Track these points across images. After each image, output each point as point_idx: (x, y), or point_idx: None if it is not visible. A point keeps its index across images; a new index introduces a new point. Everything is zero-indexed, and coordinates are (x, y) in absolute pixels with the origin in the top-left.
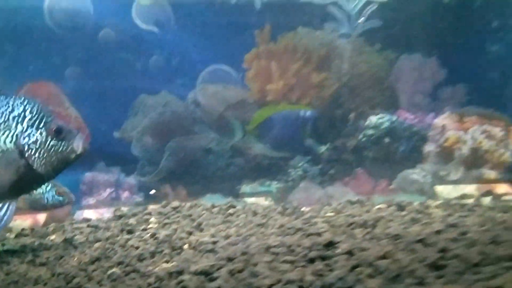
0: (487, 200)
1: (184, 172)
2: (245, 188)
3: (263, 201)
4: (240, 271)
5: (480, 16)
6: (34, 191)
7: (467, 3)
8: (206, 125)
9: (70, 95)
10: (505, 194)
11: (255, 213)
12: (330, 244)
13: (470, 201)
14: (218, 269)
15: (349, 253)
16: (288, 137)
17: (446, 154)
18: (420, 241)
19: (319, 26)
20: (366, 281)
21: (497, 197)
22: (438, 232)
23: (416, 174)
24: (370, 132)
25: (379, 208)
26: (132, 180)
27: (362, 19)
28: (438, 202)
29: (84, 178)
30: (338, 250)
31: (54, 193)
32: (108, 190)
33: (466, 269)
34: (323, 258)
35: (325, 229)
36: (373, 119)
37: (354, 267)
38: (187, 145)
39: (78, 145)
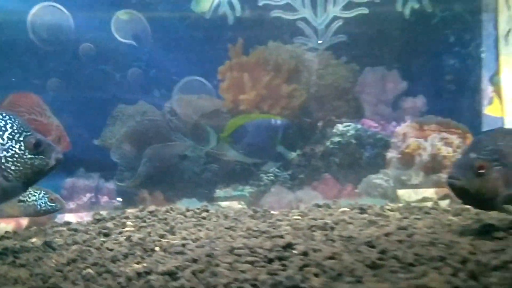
0: (444, 203)
1: (161, 177)
2: (219, 192)
3: (237, 205)
4: (202, 271)
5: (438, 32)
6: (27, 198)
7: (426, 19)
8: (182, 133)
9: (51, 106)
10: None
11: (226, 217)
12: (288, 246)
13: (429, 204)
14: (183, 269)
15: (304, 254)
16: (260, 144)
17: (407, 160)
18: (368, 243)
19: (288, 41)
20: (311, 280)
21: (454, 200)
22: (387, 234)
23: (379, 178)
24: (337, 139)
25: (343, 211)
26: (111, 185)
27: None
28: (398, 205)
29: (65, 183)
30: (295, 251)
31: (46, 200)
32: (88, 195)
33: (400, 268)
34: (280, 259)
35: (287, 231)
36: (339, 127)
37: (303, 267)
38: (164, 152)
39: (53, 157)
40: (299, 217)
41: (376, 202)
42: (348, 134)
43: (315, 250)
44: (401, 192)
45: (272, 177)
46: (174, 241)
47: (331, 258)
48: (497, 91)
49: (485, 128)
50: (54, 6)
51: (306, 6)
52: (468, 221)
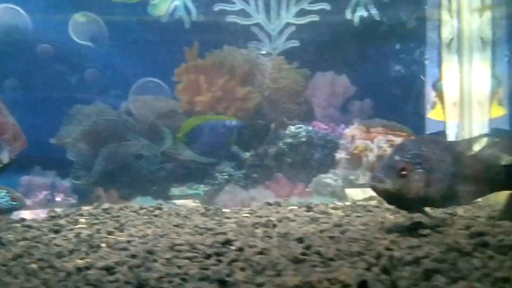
0: None
1: (116, 176)
2: (175, 191)
3: (191, 203)
4: (138, 266)
5: (385, 39)
6: None
7: (374, 27)
8: (138, 133)
9: (8, 105)
10: None
11: (177, 215)
12: (227, 242)
13: (373, 202)
14: (122, 265)
15: (240, 249)
16: (215, 144)
17: (355, 161)
18: (299, 239)
19: (243, 45)
20: (236, 273)
21: None
22: (322, 231)
23: (329, 178)
24: (289, 140)
25: (291, 209)
26: (67, 183)
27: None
28: (344, 204)
29: (22, 181)
30: (232, 247)
31: (8, 198)
32: (44, 193)
33: (320, 263)
34: (218, 254)
35: (231, 229)
36: (291, 129)
37: (232, 261)
38: (120, 151)
39: (5, 156)
40: (248, 215)
41: (325, 200)
42: (300, 135)
43: (250, 246)
44: (349, 191)
45: (226, 176)
46: (121, 238)
47: (260, 253)
48: (439, 97)
49: (427, 131)
50: (11, 7)
51: (260, 12)
52: (401, 219)
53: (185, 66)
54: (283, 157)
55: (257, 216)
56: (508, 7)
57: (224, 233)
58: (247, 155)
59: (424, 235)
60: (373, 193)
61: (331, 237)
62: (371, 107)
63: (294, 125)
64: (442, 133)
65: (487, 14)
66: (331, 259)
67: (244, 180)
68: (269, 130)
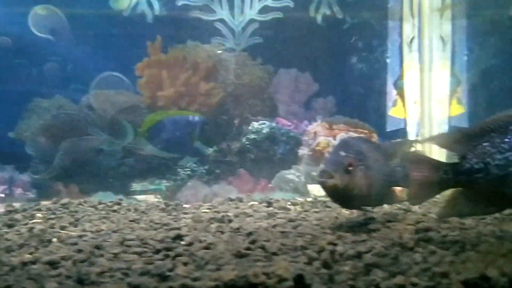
0: None
1: (76, 170)
2: (136, 186)
3: (153, 199)
4: (82, 261)
5: (348, 37)
6: None
7: (337, 25)
8: (99, 127)
9: None
10: None
11: (136, 210)
12: (178, 237)
13: None
14: (67, 259)
15: (189, 244)
16: (178, 139)
17: (317, 157)
18: (249, 233)
19: (207, 40)
20: (178, 268)
21: None
22: (274, 226)
23: (291, 174)
24: (252, 136)
25: (251, 205)
26: (25, 177)
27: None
28: (305, 199)
29: None
30: (182, 242)
31: None
32: (2, 187)
33: (263, 257)
34: (167, 249)
35: (186, 224)
36: (255, 125)
37: (176, 256)
38: (80, 145)
39: None
40: (207, 210)
41: (287, 196)
42: (263, 131)
43: (199, 241)
44: (311, 187)
45: (189, 172)
46: (73, 233)
47: (206, 248)
48: (401, 95)
49: (388, 128)
50: None
51: (223, 8)
52: (355, 215)
53: (148, 61)
54: (246, 153)
55: (215, 212)
56: (468, 7)
57: (178, 228)
58: (210, 150)
59: (374, 230)
60: None
61: (282, 232)
62: (334, 104)
63: (257, 121)
64: (403, 131)
65: (447, 14)
66: (275, 254)
67: (207, 176)
68: (232, 126)
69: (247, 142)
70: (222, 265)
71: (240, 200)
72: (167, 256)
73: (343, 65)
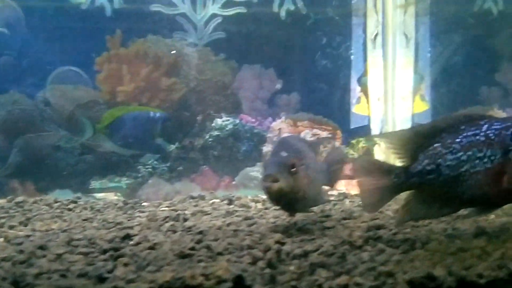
0: None
1: (33, 168)
2: (95, 184)
3: (113, 196)
4: (22, 262)
5: (312, 33)
6: None
7: (301, 21)
8: (56, 123)
9: None
10: (329, 189)
11: (92, 209)
12: (127, 237)
13: None
14: (7, 260)
15: (137, 244)
16: (138, 136)
17: None
18: (200, 232)
19: (168, 35)
20: (118, 269)
21: (324, 191)
22: (229, 224)
23: (255, 171)
24: (215, 133)
25: (212, 203)
26: None
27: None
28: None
29: None
30: (131, 242)
31: None
32: None
33: (207, 258)
34: (115, 250)
35: (140, 223)
36: (218, 121)
37: (118, 257)
38: (36, 142)
39: None
40: (165, 209)
41: (251, 193)
42: (227, 128)
43: (148, 241)
44: None
45: (150, 169)
46: (21, 233)
47: (151, 248)
48: (364, 91)
49: (352, 125)
50: None
51: (185, 2)
52: (313, 212)
53: (107, 55)
54: (210, 150)
55: (172, 210)
56: (432, 3)
57: (130, 228)
58: (172, 147)
59: (328, 228)
60: None
61: (235, 231)
62: (298, 101)
63: (221, 118)
64: (366, 128)
65: (411, 11)
66: (220, 253)
67: (169, 173)
68: (195, 122)
69: (210, 139)
70: (163, 266)
71: (202, 198)
72: (112, 256)
73: (307, 61)
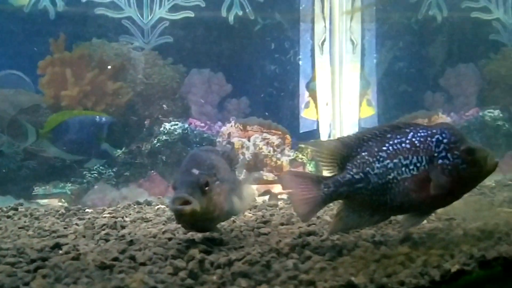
0: (262, 199)
1: None
2: (39, 190)
3: (57, 203)
4: None
5: (260, 38)
6: None
7: (249, 26)
8: None
9: None
10: (280, 193)
11: (31, 215)
12: (56, 246)
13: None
14: None
15: (66, 253)
16: (83, 141)
17: None
18: (130, 241)
19: (114, 38)
20: (36, 281)
21: (273, 195)
22: (164, 232)
23: None
24: (164, 137)
25: (157, 209)
26: None
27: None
28: None
29: None
30: (60, 251)
31: None
32: None
33: (128, 268)
34: (43, 259)
35: (75, 231)
36: (167, 126)
37: (38, 268)
38: None
39: None
40: (107, 215)
41: None
42: (175, 132)
43: (77, 250)
44: None
45: (95, 175)
46: None
47: (75, 258)
48: (313, 96)
49: (301, 129)
50: None
51: (131, 5)
52: (254, 217)
53: (50, 59)
54: (158, 155)
55: (112, 217)
56: (377, 10)
57: (65, 236)
58: (118, 152)
59: (263, 234)
60: None
61: (169, 239)
62: (247, 105)
63: (169, 122)
64: (315, 132)
65: (357, 17)
66: (143, 264)
67: (115, 179)
68: (143, 127)
69: (158, 144)
70: (80, 278)
71: (149, 203)
72: (38, 266)
73: (256, 66)
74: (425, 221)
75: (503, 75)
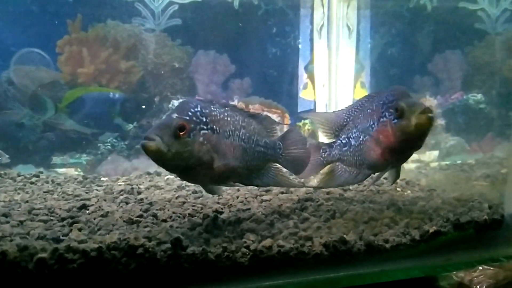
0: None
1: None
2: (57, 160)
3: (73, 172)
4: None
5: (263, 22)
6: None
7: (252, 10)
8: (20, 102)
9: None
10: None
11: (53, 182)
12: (83, 207)
13: None
14: None
15: (92, 212)
16: (98, 115)
17: None
18: (150, 203)
19: (127, 20)
20: (73, 233)
21: None
22: (177, 197)
23: None
24: None
25: (167, 178)
26: None
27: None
28: None
29: None
30: (87, 211)
31: None
32: None
33: (153, 224)
34: (72, 217)
35: (97, 195)
36: (175, 103)
37: (74, 223)
38: (0, 119)
39: None
40: (122, 183)
41: None
42: None
43: (102, 210)
44: None
45: (109, 147)
46: None
47: (103, 216)
48: (311, 78)
49: (300, 108)
50: None
51: None
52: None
53: (68, 38)
54: None
55: (128, 185)
56: None
57: (88, 199)
58: (130, 126)
59: (267, 200)
60: None
61: (183, 202)
62: (250, 85)
63: (177, 99)
64: (312, 111)
65: (353, 4)
66: (164, 220)
67: (127, 151)
68: (152, 104)
69: None
70: (112, 230)
71: (158, 174)
72: (68, 223)
73: (259, 48)
74: (409, 191)
75: (486, 62)
